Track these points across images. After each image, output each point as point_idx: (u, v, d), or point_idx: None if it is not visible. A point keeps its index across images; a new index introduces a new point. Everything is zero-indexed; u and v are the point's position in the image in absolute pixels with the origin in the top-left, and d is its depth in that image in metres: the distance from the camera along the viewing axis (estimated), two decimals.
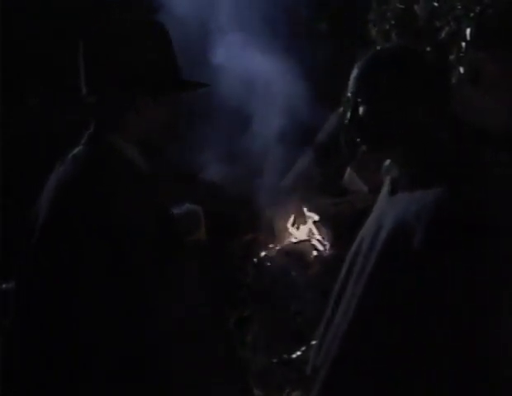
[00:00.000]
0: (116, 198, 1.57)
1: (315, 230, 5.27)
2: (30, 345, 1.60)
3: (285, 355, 3.96)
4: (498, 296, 1.55)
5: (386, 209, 1.76)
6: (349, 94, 1.78)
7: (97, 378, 1.53)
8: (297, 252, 4.99)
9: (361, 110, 1.74)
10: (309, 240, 5.21)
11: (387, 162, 1.81)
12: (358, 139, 1.79)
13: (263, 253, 4.97)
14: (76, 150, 1.70)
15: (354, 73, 1.78)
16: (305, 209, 5.32)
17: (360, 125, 1.76)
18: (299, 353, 3.92)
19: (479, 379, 1.54)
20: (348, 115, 1.78)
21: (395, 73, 1.71)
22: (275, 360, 3.96)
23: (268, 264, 4.82)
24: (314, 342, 1.85)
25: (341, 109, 5.87)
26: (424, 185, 1.65)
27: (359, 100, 1.75)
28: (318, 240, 5.18)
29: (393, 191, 1.78)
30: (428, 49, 4.34)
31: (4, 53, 4.70)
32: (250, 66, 4.68)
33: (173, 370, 1.58)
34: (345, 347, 1.69)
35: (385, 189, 1.83)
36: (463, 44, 4.26)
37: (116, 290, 1.53)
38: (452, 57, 4.30)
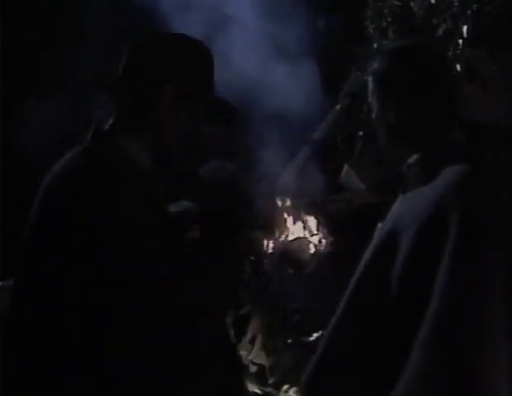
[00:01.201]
0: (110, 197, 1.56)
1: (312, 228, 5.28)
2: (23, 342, 1.59)
3: (302, 337, 3.94)
4: (492, 302, 1.49)
5: (395, 209, 1.76)
6: (370, 91, 1.79)
7: (90, 377, 1.53)
8: (294, 250, 4.99)
9: (380, 107, 1.76)
10: (306, 237, 5.21)
11: (411, 159, 1.80)
12: (376, 137, 1.80)
13: (260, 251, 4.97)
14: (81, 146, 1.69)
15: (372, 69, 1.79)
16: (302, 207, 5.32)
17: (378, 123, 1.77)
18: (312, 338, 3.91)
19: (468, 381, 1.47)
20: (373, 113, 1.79)
21: (410, 70, 1.72)
22: (290, 341, 3.95)
23: (265, 262, 4.82)
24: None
25: (338, 106, 5.89)
26: (429, 183, 1.64)
27: (378, 98, 1.76)
28: (315, 238, 5.19)
29: (404, 190, 1.77)
30: None
31: (4, 52, 4.70)
32: (250, 62, 4.68)
33: (166, 372, 1.57)
34: (330, 343, 1.70)
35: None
36: (460, 41, 4.27)
37: (109, 293, 1.52)
38: (449, 54, 4.30)
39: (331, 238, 5.04)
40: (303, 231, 5.27)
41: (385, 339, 1.58)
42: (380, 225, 1.79)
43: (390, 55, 1.78)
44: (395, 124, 1.73)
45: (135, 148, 1.67)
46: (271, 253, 4.97)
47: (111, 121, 1.71)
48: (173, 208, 1.89)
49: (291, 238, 5.25)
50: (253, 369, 3.80)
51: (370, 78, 1.79)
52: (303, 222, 5.31)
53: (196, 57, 1.73)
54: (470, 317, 1.48)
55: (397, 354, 1.54)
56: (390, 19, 4.84)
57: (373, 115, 1.79)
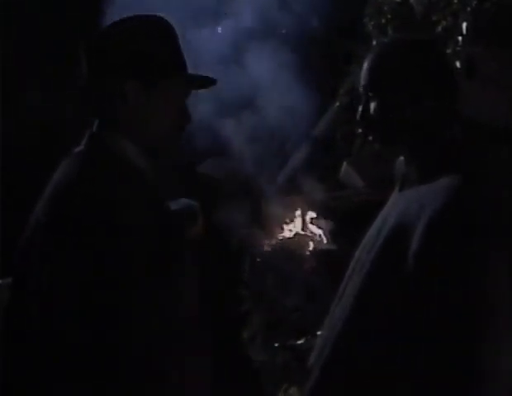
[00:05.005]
0: (111, 201, 1.55)
1: (311, 224, 5.27)
2: (21, 343, 1.58)
3: (291, 341, 3.95)
4: (500, 300, 1.49)
5: (393, 207, 1.72)
6: (360, 87, 1.72)
7: (89, 377, 1.52)
8: (293, 247, 4.99)
9: (372, 104, 1.69)
10: (305, 234, 5.21)
11: (401, 158, 1.76)
12: (370, 135, 1.73)
13: (259, 248, 4.97)
14: (75, 151, 1.68)
15: (366, 65, 1.72)
16: (301, 204, 5.32)
17: (371, 120, 1.70)
18: (301, 341, 3.92)
19: (474, 384, 1.47)
20: (360, 109, 1.72)
21: (408, 65, 1.66)
22: (277, 344, 3.95)
23: (264, 259, 4.82)
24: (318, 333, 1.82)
25: (337, 103, 5.88)
26: (429, 182, 1.61)
27: (370, 93, 1.70)
28: (314, 234, 5.18)
29: (401, 188, 1.74)
30: None
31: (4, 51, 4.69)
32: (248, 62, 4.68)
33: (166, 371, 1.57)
34: (338, 346, 1.65)
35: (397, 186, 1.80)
36: (460, 38, 4.26)
37: (109, 293, 1.51)
38: (448, 51, 4.29)
39: (330, 235, 5.03)
40: (302, 228, 5.26)
41: (396, 342, 1.55)
42: (375, 226, 1.75)
43: (395, 49, 1.70)
44: (397, 120, 1.67)
45: (128, 146, 1.66)
46: (270, 250, 4.96)
47: (96, 122, 1.68)
48: (172, 206, 1.88)
49: (290, 234, 5.24)
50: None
51: (367, 70, 1.71)
52: (302, 219, 5.30)
53: (150, 40, 1.65)
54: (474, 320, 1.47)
55: (409, 360, 1.52)
56: (389, 16, 4.83)
57: (371, 112, 1.70)
